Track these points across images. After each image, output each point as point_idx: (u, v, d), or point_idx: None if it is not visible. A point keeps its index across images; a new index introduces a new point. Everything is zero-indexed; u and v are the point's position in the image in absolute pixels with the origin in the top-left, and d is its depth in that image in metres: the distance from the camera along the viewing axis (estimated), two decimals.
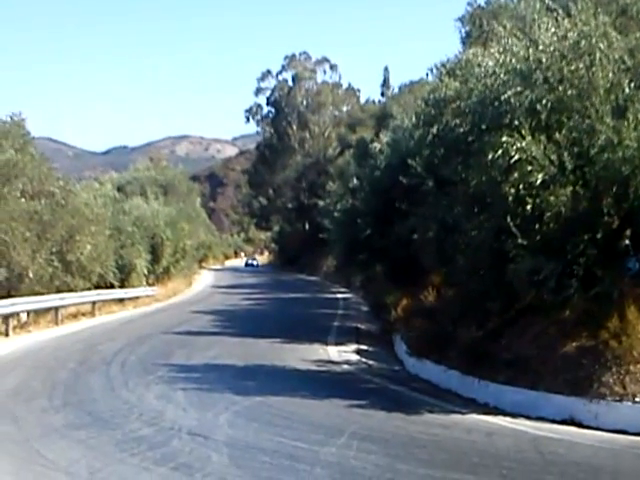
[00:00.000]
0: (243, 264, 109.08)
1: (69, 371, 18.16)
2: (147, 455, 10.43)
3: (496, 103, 15.09)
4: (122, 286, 39.83)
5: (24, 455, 10.47)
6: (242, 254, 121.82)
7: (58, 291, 30.58)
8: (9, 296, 26.24)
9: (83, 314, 32.81)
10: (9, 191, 28.11)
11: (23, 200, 28.98)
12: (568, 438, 12.09)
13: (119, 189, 52.79)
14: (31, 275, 28.88)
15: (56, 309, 29.51)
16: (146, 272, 45.38)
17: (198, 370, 18.31)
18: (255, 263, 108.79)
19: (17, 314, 26.44)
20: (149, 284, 45.08)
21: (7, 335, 24.56)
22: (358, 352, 23.40)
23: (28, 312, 27.73)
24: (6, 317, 25.02)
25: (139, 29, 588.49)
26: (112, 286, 37.69)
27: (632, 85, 14.60)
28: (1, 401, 14.36)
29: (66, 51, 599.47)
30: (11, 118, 31.34)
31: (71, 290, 31.90)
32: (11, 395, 15.06)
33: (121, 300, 38.13)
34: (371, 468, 10.03)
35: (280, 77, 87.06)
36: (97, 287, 35.30)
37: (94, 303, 33.81)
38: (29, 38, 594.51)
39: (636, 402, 12.61)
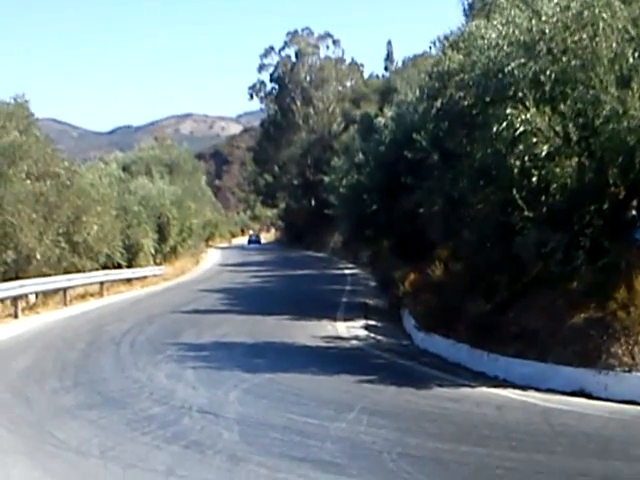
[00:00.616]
0: (246, 242, 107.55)
1: (79, 352, 18.23)
2: (158, 433, 10.49)
3: (500, 75, 15.04)
4: (129, 266, 39.85)
5: (36, 435, 10.53)
6: (250, 231, 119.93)
7: (66, 272, 30.63)
8: (17, 278, 26.31)
9: (91, 295, 32.88)
10: (14, 173, 28.11)
11: (28, 182, 28.99)
12: (578, 409, 12.12)
13: (124, 169, 52.70)
14: (38, 257, 28.92)
15: (64, 290, 29.60)
16: (153, 252, 45.39)
17: (207, 348, 18.36)
18: (259, 239, 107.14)
19: (26, 296, 26.52)
20: (156, 264, 45.13)
21: (16, 317, 24.65)
22: (367, 327, 23.42)
23: (36, 294, 27.82)
24: (15, 299, 25.10)
25: (142, 9, 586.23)
26: (119, 266, 37.71)
27: (636, 55, 14.52)
28: (13, 382, 14.44)
29: (68, 32, 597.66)
30: (15, 100, 31.29)
31: (79, 271, 31.93)
32: (22, 376, 15.13)
33: (129, 280, 38.19)
34: (381, 442, 10.07)
35: (283, 53, 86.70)
36: (105, 267, 35.33)
37: (102, 283, 33.87)
38: (31, 20, 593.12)
39: None
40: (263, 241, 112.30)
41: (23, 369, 15.97)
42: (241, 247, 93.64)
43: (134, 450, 9.75)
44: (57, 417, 11.61)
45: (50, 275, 28.88)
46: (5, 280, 25.77)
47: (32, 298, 27.61)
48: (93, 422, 11.29)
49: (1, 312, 24.84)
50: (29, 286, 26.36)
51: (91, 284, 33.06)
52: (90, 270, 33.25)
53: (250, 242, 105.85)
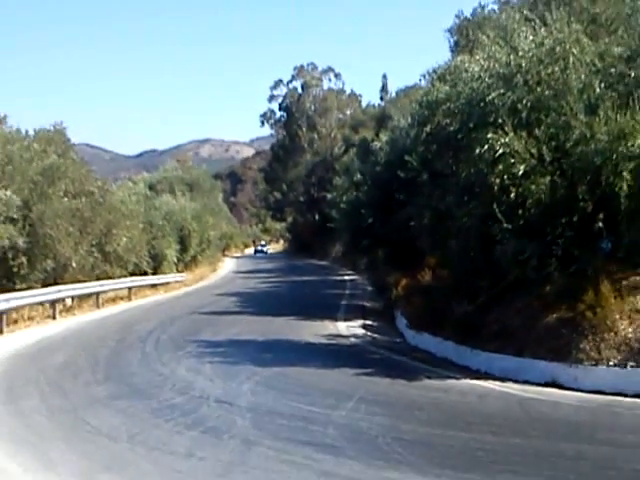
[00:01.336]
0: (252, 252, 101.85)
1: (109, 348, 18.23)
2: (179, 421, 10.50)
3: (482, 104, 15.09)
4: (154, 273, 39.91)
5: (72, 423, 10.53)
6: (260, 242, 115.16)
7: (98, 279, 30.69)
8: (55, 284, 26.35)
9: (121, 298, 32.89)
10: (54, 192, 28.15)
11: (66, 199, 29.02)
12: (551, 399, 12.11)
13: (150, 187, 52.79)
14: (74, 265, 28.96)
15: (97, 294, 29.62)
16: (175, 260, 45.49)
17: (223, 345, 18.35)
18: (265, 250, 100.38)
19: (63, 299, 26.54)
20: (178, 271, 45.16)
21: (54, 318, 24.66)
22: (364, 327, 23.42)
23: (72, 298, 27.84)
24: (53, 302, 25.14)
25: (164, 47, 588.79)
26: (146, 273, 37.75)
27: (602, 85, 14.63)
28: (51, 376, 14.43)
29: (99, 66, 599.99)
30: (54, 127, 31.44)
31: (110, 277, 32.02)
32: (60, 370, 15.13)
33: (154, 285, 38.21)
34: (377, 428, 10.07)
35: (290, 85, 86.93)
36: (132, 274, 35.37)
37: (130, 289, 33.89)
38: (68, 53, 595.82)
39: (610, 366, 12.62)
40: (271, 251, 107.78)
41: (60, 364, 15.96)
42: (252, 257, 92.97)
43: (158, 435, 9.75)
44: (90, 406, 11.61)
45: (84, 281, 28.95)
46: (45, 286, 25.81)
47: (68, 301, 27.63)
48: (122, 411, 11.30)
49: (41, 314, 24.84)
50: (66, 291, 26.42)
51: (120, 289, 33.08)
52: (120, 277, 33.35)
53: (256, 252, 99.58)
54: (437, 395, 12.91)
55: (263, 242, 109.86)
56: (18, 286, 24.63)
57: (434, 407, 11.87)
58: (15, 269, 25.36)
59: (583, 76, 14.68)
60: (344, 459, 8.50)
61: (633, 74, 14.73)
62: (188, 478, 7.91)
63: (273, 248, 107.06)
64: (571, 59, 14.80)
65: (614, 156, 13.63)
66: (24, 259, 25.62)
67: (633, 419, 10.60)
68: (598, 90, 14.55)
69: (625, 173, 13.61)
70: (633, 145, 13.57)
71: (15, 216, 25.15)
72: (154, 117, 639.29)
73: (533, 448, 9.07)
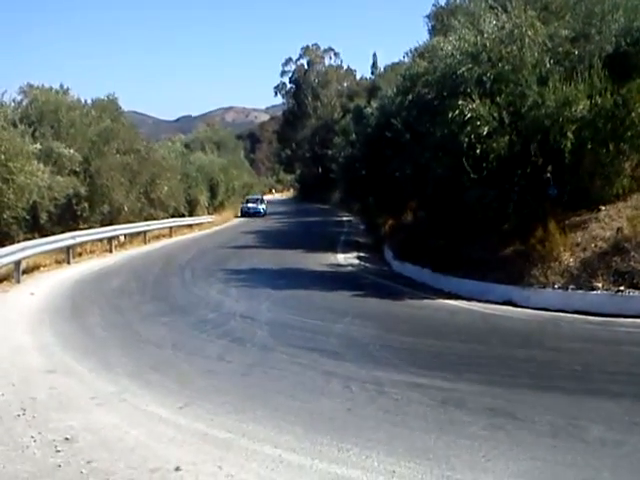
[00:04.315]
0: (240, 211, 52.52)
1: (155, 275, 18.33)
2: (212, 332, 10.60)
3: (454, 77, 14.98)
4: (190, 215, 39.92)
5: (127, 335, 10.64)
6: (273, 190, 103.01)
7: (145, 220, 30.73)
8: (111, 224, 26.42)
9: (163, 236, 32.95)
10: (108, 150, 28.06)
11: (118, 156, 28.93)
12: (507, 314, 12.19)
13: (186, 146, 52.39)
14: (126, 209, 29.00)
15: (144, 232, 29.66)
16: (207, 205, 45.42)
17: (245, 273, 18.44)
18: (261, 208, 52.04)
19: (117, 237, 26.60)
20: (209, 214, 45.03)
21: (111, 251, 24.75)
22: (358, 258, 23.50)
23: (125, 235, 27.90)
24: (110, 239, 25.22)
25: (197, 29, 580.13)
26: (183, 215, 37.76)
27: (551, 61, 14.55)
28: (109, 297, 14.56)
29: (143, 41, 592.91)
30: (107, 97, 31.21)
31: (154, 219, 32.06)
32: (116, 292, 15.25)
33: (190, 225, 38.17)
34: (368, 337, 10.16)
35: (298, 62, 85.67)
36: (172, 216, 35.38)
37: (171, 228, 33.92)
38: (118, 35, 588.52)
39: (555, 288, 12.67)
40: (283, 197, 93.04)
41: (116, 287, 16.08)
42: (268, 202, 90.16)
43: (195, 343, 9.86)
44: (140, 321, 11.73)
45: (134, 222, 29.00)
46: (103, 225, 25.88)
47: (122, 238, 27.70)
48: (166, 324, 11.41)
49: (100, 248, 24.93)
50: (120, 230, 26.50)
51: (163, 228, 33.12)
52: (162, 218, 33.37)
53: (247, 213, 51.12)
54: (416, 311, 13.01)
55: (257, 195, 59.34)
56: (81, 226, 24.72)
57: (414, 321, 11.97)
58: (79, 212, 25.44)
59: (536, 54, 14.53)
60: (342, 362, 8.59)
61: (577, 52, 14.62)
62: (219, 376, 8.00)
63: (284, 195, 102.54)
64: (526, 40, 14.64)
65: (560, 119, 13.58)
66: (86, 204, 25.69)
67: (573, 330, 10.68)
68: (548, 65, 14.44)
69: (569, 133, 13.58)
70: (576, 110, 13.52)
71: (77, 170, 25.16)
72: (189, 89, 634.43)
73: (492, 353, 9.16)
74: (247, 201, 53.80)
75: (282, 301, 13.81)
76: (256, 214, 50.39)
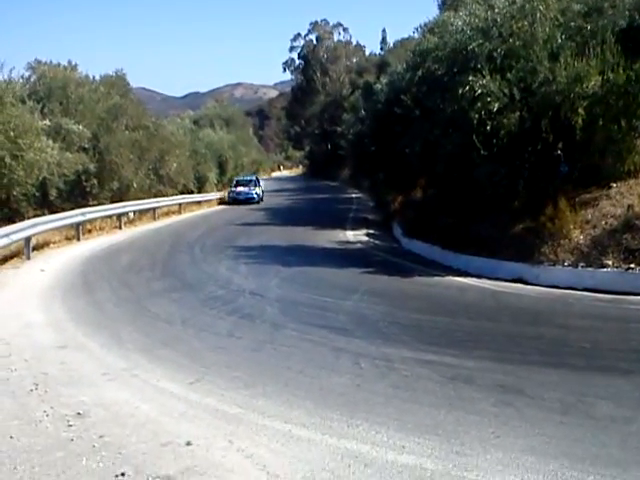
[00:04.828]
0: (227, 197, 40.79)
1: (165, 252, 18.39)
2: (222, 309, 10.65)
3: (464, 52, 14.92)
4: (199, 192, 39.94)
5: (137, 310, 10.71)
6: (280, 167, 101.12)
7: (154, 196, 30.78)
8: (120, 201, 26.49)
9: (173, 212, 33.00)
10: (117, 126, 28.09)
11: (127, 132, 28.96)
12: (517, 292, 12.19)
13: (194, 123, 52.31)
14: (135, 185, 29.05)
15: (154, 209, 29.70)
16: (215, 182, 45.37)
17: (255, 249, 18.45)
18: (254, 193, 40.04)
19: (126, 213, 26.66)
20: (218, 190, 44.98)
21: (120, 228, 24.81)
22: (367, 235, 23.47)
23: (134, 212, 27.95)
24: (119, 216, 25.28)
25: (205, 5, 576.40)
26: (192, 192, 37.78)
27: (563, 37, 14.43)
28: (119, 273, 14.62)
29: (153, 18, 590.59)
30: (116, 73, 31.18)
31: (164, 195, 32.12)
32: (126, 269, 15.32)
33: (199, 202, 38.18)
34: (377, 314, 10.19)
35: (307, 38, 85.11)
36: (182, 193, 35.41)
37: (180, 204, 33.95)
38: (125, 12, 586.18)
39: (565, 266, 12.67)
40: (292, 174, 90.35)
41: (126, 264, 16.14)
42: (277, 179, 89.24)
43: (204, 320, 9.90)
44: (150, 297, 11.78)
45: (143, 198, 29.06)
46: (112, 202, 25.96)
47: (131, 215, 27.75)
48: (175, 300, 11.47)
49: (109, 225, 24.99)
50: (129, 206, 26.58)
51: (172, 205, 33.16)
52: (171, 195, 33.42)
53: (236, 199, 39.25)
54: (426, 289, 13.03)
55: (250, 176, 45.90)
56: (91, 203, 24.80)
57: (423, 298, 11.99)
58: (88, 189, 25.53)
59: (547, 29, 14.43)
60: (352, 338, 8.62)
61: (589, 27, 14.49)
62: (229, 352, 8.05)
63: (293, 172, 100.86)
64: (538, 15, 14.54)
65: (571, 96, 13.50)
66: (95, 181, 25.76)
67: (582, 308, 10.68)
68: (560, 41, 14.32)
69: (580, 110, 13.51)
70: (587, 86, 13.43)
71: (86, 146, 25.22)
72: (197, 65, 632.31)
73: (502, 330, 9.18)
74: (236, 183, 41.25)
75: (291, 278, 13.83)
76: (248, 201, 38.48)
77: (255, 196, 39.60)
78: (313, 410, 5.98)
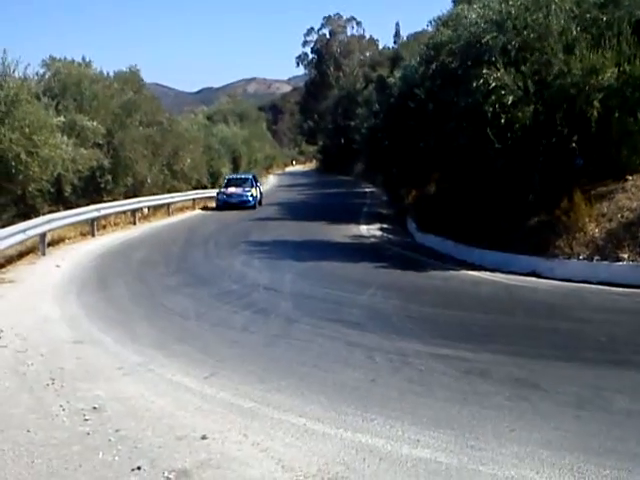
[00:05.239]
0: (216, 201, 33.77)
1: (179, 247, 18.47)
2: (236, 303, 10.67)
3: (478, 45, 14.81)
4: (213, 187, 39.86)
5: (152, 305, 10.76)
6: (293, 162, 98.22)
7: (168, 192, 30.90)
8: (135, 196, 26.60)
9: (187, 208, 33.08)
10: (131, 122, 28.18)
11: (141, 128, 29.07)
12: (531, 285, 12.16)
13: (208, 118, 52.46)
14: (149, 181, 29.18)
15: (168, 205, 29.83)
16: None
17: (268, 244, 18.50)
18: (249, 195, 33.08)
19: (141, 209, 26.78)
20: None
21: (135, 224, 24.93)
22: (381, 229, 23.45)
23: (148, 207, 28.06)
24: (133, 211, 25.39)
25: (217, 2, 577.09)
26: (206, 187, 37.83)
27: (578, 28, 14.33)
28: (133, 269, 14.69)
29: (166, 14, 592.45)
30: (130, 69, 31.30)
31: (177, 191, 32.21)
32: (140, 264, 15.39)
33: (212, 198, 38.29)
34: (391, 308, 10.19)
35: (320, 32, 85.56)
36: (195, 188, 35.46)
37: (194, 200, 34.00)
38: (140, 9, 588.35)
39: (580, 259, 12.60)
40: (305, 169, 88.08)
41: (140, 259, 16.22)
42: (291, 174, 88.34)
43: (219, 314, 9.93)
44: (165, 292, 11.83)
45: (158, 194, 29.18)
46: (126, 198, 26.07)
47: (145, 210, 27.87)
48: (190, 295, 11.50)
49: (124, 220, 25.11)
50: (143, 202, 26.71)
51: (186, 200, 33.24)
52: (185, 190, 33.48)
53: (225, 202, 32.63)
54: (439, 283, 13.01)
55: (245, 174, 38.71)
56: (105, 199, 24.93)
57: (437, 292, 11.97)
58: (102, 185, 25.63)
59: (562, 21, 14.32)
60: (365, 332, 8.62)
61: (605, 18, 14.36)
62: (243, 347, 8.07)
63: (307, 167, 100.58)
64: (553, 6, 14.44)
65: (587, 88, 13.41)
66: (109, 177, 25.87)
67: (597, 301, 10.63)
68: (575, 33, 14.23)
69: (595, 102, 13.42)
70: (603, 79, 13.34)
71: (101, 142, 25.28)
72: (211, 60, 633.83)
73: (517, 324, 9.15)
74: (227, 183, 34.73)
75: (305, 273, 13.85)
76: (242, 205, 31.93)
77: (250, 199, 32.60)
78: (328, 404, 5.99)
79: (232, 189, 33.22)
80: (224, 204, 32.15)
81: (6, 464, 4.83)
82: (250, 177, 35.95)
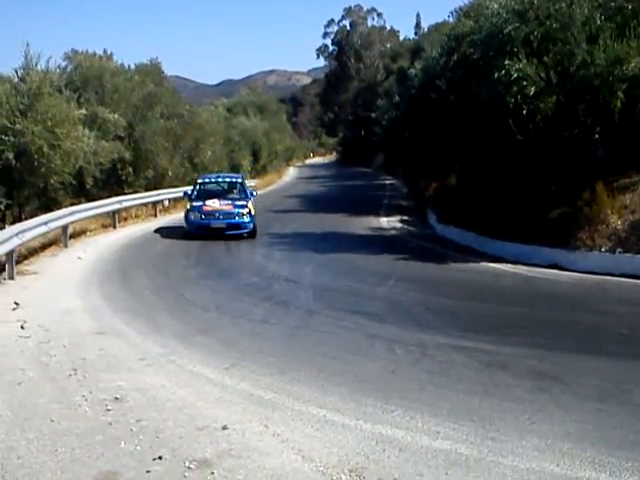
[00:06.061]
0: (188, 219, 18.71)
1: (199, 239, 18.46)
2: (256, 295, 10.71)
3: (500, 36, 14.71)
4: None
5: (173, 296, 10.82)
6: (312, 154, 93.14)
7: (189, 184, 30.83)
8: (155, 189, 26.67)
9: None
10: (152, 114, 28.24)
11: (161, 120, 29.09)
12: (553, 277, 12.11)
13: (228, 110, 52.44)
14: (170, 174, 29.23)
15: None
16: (249, 169, 45.48)
17: (289, 236, 18.52)
18: (241, 213, 18.09)
19: (162, 201, 26.85)
20: (252, 178, 45.05)
21: (155, 216, 25.01)
22: (401, 221, 23.40)
23: (169, 200, 28.10)
24: (154, 204, 25.47)
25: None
26: None
27: (602, 18, 14.16)
28: (154, 261, 14.76)
29: (186, 6, 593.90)
30: (151, 62, 31.37)
31: None
32: (161, 257, 15.46)
33: None
34: (411, 300, 10.20)
35: (341, 24, 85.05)
36: None
37: None
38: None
39: (602, 252, 12.53)
40: (325, 161, 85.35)
41: (161, 251, 16.30)
42: (311, 165, 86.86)
43: (239, 306, 9.98)
44: (186, 284, 11.89)
45: (178, 186, 29.18)
46: (147, 190, 26.14)
47: (166, 203, 27.92)
48: (211, 287, 11.57)
49: (145, 213, 25.19)
50: (164, 194, 26.70)
51: None
52: None
53: (201, 224, 18.11)
54: (460, 275, 12.99)
55: (228, 176, 22.97)
56: (126, 191, 25.01)
57: (458, 284, 11.95)
58: (124, 177, 25.75)
59: (586, 10, 14.18)
60: (385, 324, 8.64)
61: (630, 7, 14.20)
62: (264, 338, 8.11)
63: (327, 159, 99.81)
64: None
65: (610, 78, 13.27)
66: (130, 169, 25.97)
67: (619, 294, 10.57)
68: (598, 22, 14.08)
69: (619, 93, 13.28)
70: (627, 69, 13.20)
71: (122, 135, 25.41)
72: (231, 53, 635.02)
73: (538, 316, 9.12)
74: (200, 191, 20.19)
75: (326, 265, 13.87)
76: (230, 231, 18.09)
77: (245, 220, 18.39)
78: (348, 395, 6.00)
79: (211, 203, 18.93)
80: (198, 229, 18.39)
81: (31, 452, 4.90)
82: (238, 179, 21.70)
